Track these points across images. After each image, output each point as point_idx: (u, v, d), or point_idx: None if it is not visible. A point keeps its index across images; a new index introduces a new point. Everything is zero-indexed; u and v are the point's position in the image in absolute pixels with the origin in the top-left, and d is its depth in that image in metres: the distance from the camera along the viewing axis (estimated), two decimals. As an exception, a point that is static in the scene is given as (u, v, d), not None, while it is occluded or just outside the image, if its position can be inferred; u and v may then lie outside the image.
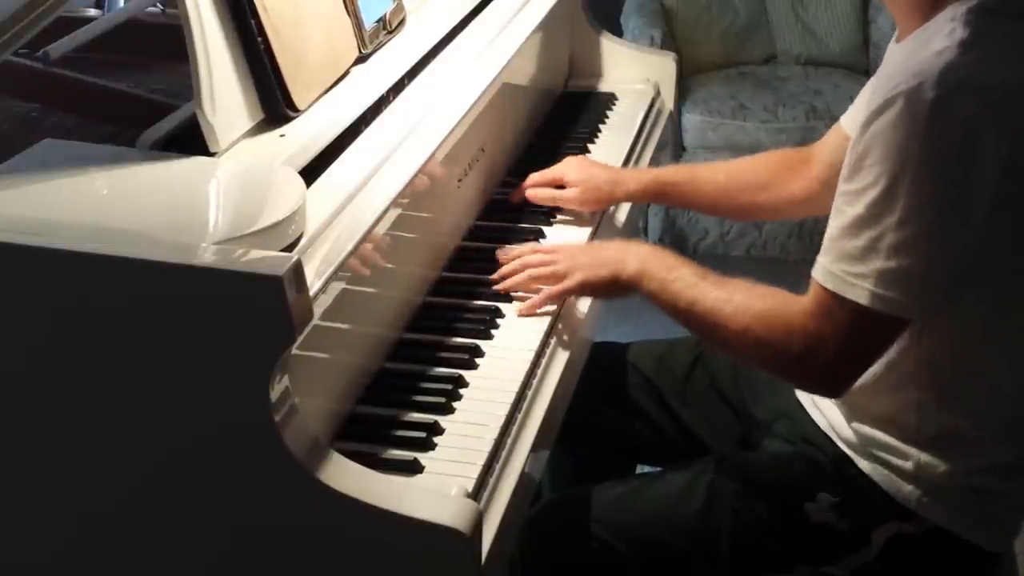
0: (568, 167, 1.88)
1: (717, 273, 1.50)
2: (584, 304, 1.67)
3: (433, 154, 1.54)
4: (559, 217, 1.85)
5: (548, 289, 1.60)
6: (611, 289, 1.59)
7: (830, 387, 1.45)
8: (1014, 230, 1.35)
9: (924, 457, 1.46)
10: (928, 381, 1.44)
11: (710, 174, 1.88)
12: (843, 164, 1.36)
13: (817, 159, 1.80)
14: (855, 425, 1.51)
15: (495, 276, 1.66)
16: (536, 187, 1.87)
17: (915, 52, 1.35)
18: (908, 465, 1.47)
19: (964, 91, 1.27)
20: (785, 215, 1.94)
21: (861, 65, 3.94)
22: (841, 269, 1.34)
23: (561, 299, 1.62)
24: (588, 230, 1.83)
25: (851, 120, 1.71)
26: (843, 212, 1.35)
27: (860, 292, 1.33)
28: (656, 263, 1.54)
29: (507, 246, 1.72)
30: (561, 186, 1.87)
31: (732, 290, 1.45)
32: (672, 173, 1.91)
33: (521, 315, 1.59)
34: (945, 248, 1.32)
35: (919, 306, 1.35)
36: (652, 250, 1.59)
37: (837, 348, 1.37)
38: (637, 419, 1.83)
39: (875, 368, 1.46)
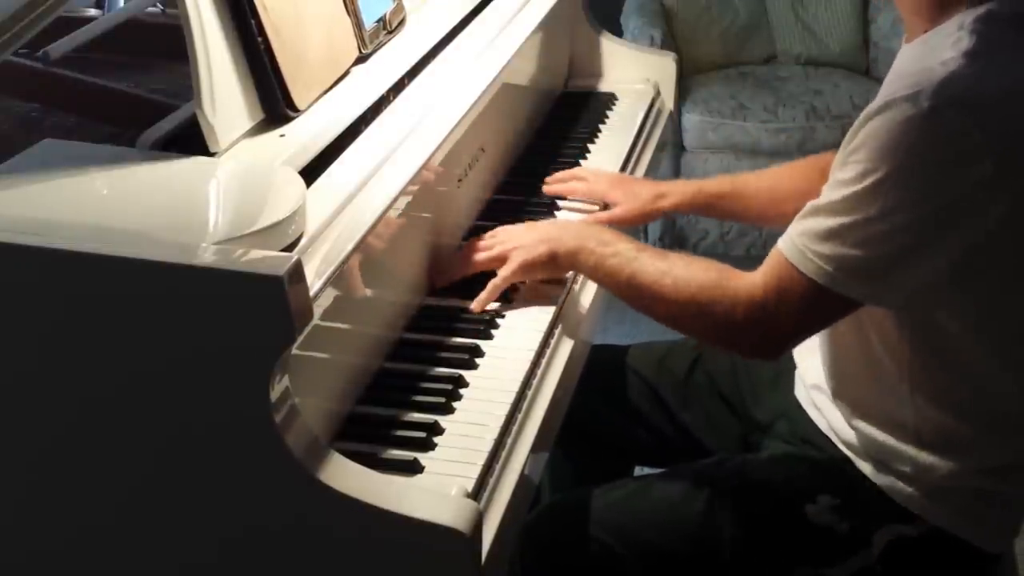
0: (608, 186, 1.88)
1: (655, 248, 1.53)
2: (584, 304, 1.67)
3: (433, 154, 1.54)
4: (560, 216, 1.85)
5: (492, 283, 1.60)
6: (549, 267, 1.61)
7: (767, 354, 1.48)
8: (997, 241, 1.35)
9: (923, 458, 1.46)
10: (921, 379, 1.44)
11: (754, 184, 1.86)
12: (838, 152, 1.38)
13: None
14: (854, 426, 1.51)
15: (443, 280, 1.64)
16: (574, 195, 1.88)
17: (921, 58, 1.36)
18: (907, 467, 1.47)
19: (957, 106, 1.28)
20: None
21: (861, 65, 3.94)
22: (804, 244, 1.36)
23: (514, 282, 1.62)
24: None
25: None
26: (825, 193, 1.37)
27: (816, 269, 1.35)
28: (592, 239, 1.56)
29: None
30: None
31: (672, 263, 1.47)
32: (716, 185, 1.89)
33: (475, 311, 1.58)
34: (910, 254, 1.33)
35: (875, 295, 1.36)
36: (588, 226, 1.62)
37: (783, 319, 1.39)
38: (636, 422, 1.82)
39: (869, 367, 1.46)
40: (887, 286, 1.35)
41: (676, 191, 1.88)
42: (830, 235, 1.34)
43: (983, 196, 1.30)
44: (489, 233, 1.69)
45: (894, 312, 1.41)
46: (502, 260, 1.61)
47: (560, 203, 1.89)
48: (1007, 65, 1.34)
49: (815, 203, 1.38)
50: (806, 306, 1.38)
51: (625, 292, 1.52)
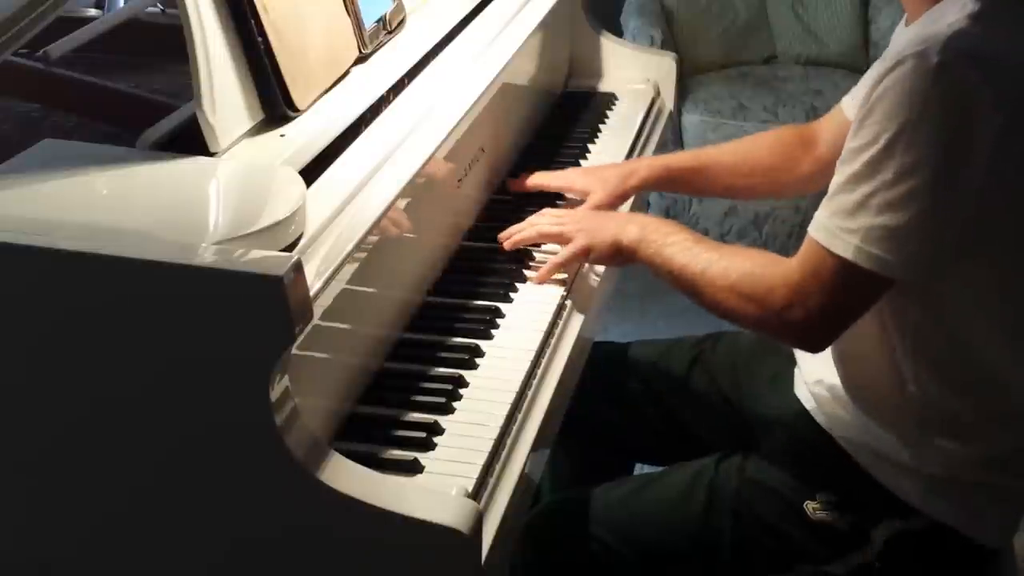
0: (573, 178, 1.89)
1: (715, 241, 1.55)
2: (584, 304, 1.67)
3: (433, 154, 1.54)
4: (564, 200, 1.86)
5: (556, 256, 1.66)
6: (613, 254, 1.63)
7: (810, 341, 1.47)
8: (1007, 204, 1.36)
9: (924, 446, 1.46)
10: (925, 360, 1.45)
11: (720, 158, 1.88)
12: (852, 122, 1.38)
13: (820, 139, 1.82)
14: (856, 417, 1.51)
15: (503, 234, 1.71)
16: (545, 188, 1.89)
17: (926, 27, 1.37)
18: (908, 458, 1.47)
19: (967, 60, 1.29)
20: (792, 194, 1.98)
21: (861, 65, 3.94)
22: (834, 223, 1.37)
23: (571, 265, 1.67)
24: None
25: (852, 100, 1.74)
26: (842, 169, 1.38)
27: (847, 247, 1.35)
28: (655, 230, 1.58)
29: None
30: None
31: (722, 253, 1.50)
32: (683, 160, 1.92)
33: (536, 283, 1.65)
34: (934, 210, 1.33)
35: (903, 266, 1.36)
36: (653, 219, 1.64)
37: (820, 302, 1.39)
38: (637, 420, 1.83)
39: (874, 348, 1.47)
40: (916, 252, 1.34)
41: (643, 167, 1.89)
42: (856, 208, 1.34)
43: (995, 148, 1.31)
44: (561, 210, 1.75)
45: (902, 292, 1.41)
46: (566, 240, 1.65)
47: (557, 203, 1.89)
48: (1012, 32, 1.36)
49: (836, 180, 1.38)
50: (840, 286, 1.38)
51: (677, 281, 1.54)
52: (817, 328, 1.43)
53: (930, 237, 1.34)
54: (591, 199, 1.83)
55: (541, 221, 1.71)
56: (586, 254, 1.65)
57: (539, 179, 1.89)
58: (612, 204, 1.85)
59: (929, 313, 1.43)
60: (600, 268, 1.74)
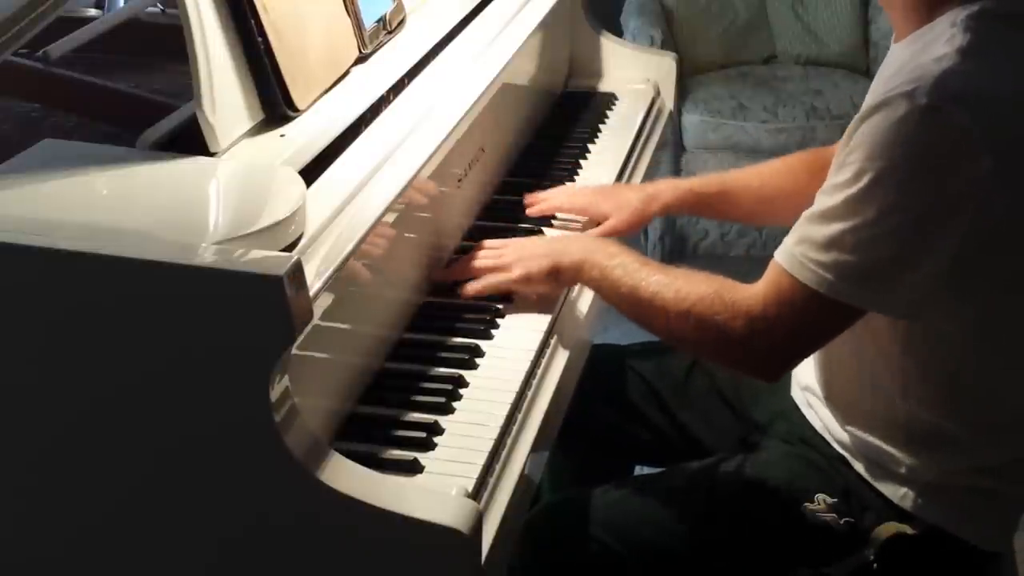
0: (596, 198, 1.85)
1: (668, 265, 1.50)
2: (584, 304, 1.67)
3: (433, 154, 1.54)
4: (559, 218, 1.85)
5: (488, 278, 1.60)
6: (552, 279, 1.59)
7: (769, 371, 1.44)
8: (996, 241, 1.34)
9: (914, 458, 1.46)
10: (913, 381, 1.44)
11: (743, 182, 1.83)
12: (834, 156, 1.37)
13: None
14: (848, 428, 1.51)
15: (463, 287, 1.62)
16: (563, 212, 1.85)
17: (915, 55, 1.35)
18: (901, 467, 1.47)
19: (956, 102, 1.27)
20: None
21: (861, 65, 3.94)
22: (802, 253, 1.34)
23: (504, 289, 1.61)
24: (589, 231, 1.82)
25: None
26: (819, 200, 1.36)
27: (820, 280, 1.33)
28: (597, 252, 1.55)
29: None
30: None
31: (674, 276, 1.45)
32: (706, 184, 1.86)
33: (464, 296, 1.59)
34: (910, 255, 1.32)
35: (874, 300, 1.34)
36: (594, 240, 1.61)
37: (785, 331, 1.37)
38: (636, 422, 1.82)
39: (860, 368, 1.46)
40: (890, 291, 1.33)
41: (666, 192, 1.84)
42: (828, 243, 1.32)
43: (981, 193, 1.29)
44: (500, 240, 1.68)
45: (878, 317, 1.40)
46: (505, 270, 1.61)
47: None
48: (1002, 63, 1.34)
49: (811, 211, 1.36)
50: (808, 318, 1.36)
51: (626, 305, 1.50)
52: (780, 358, 1.41)
53: (907, 276, 1.32)
54: (608, 223, 1.80)
55: (481, 253, 1.64)
56: (523, 282, 1.60)
57: (557, 201, 1.84)
58: (630, 230, 1.82)
59: (917, 340, 1.42)
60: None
